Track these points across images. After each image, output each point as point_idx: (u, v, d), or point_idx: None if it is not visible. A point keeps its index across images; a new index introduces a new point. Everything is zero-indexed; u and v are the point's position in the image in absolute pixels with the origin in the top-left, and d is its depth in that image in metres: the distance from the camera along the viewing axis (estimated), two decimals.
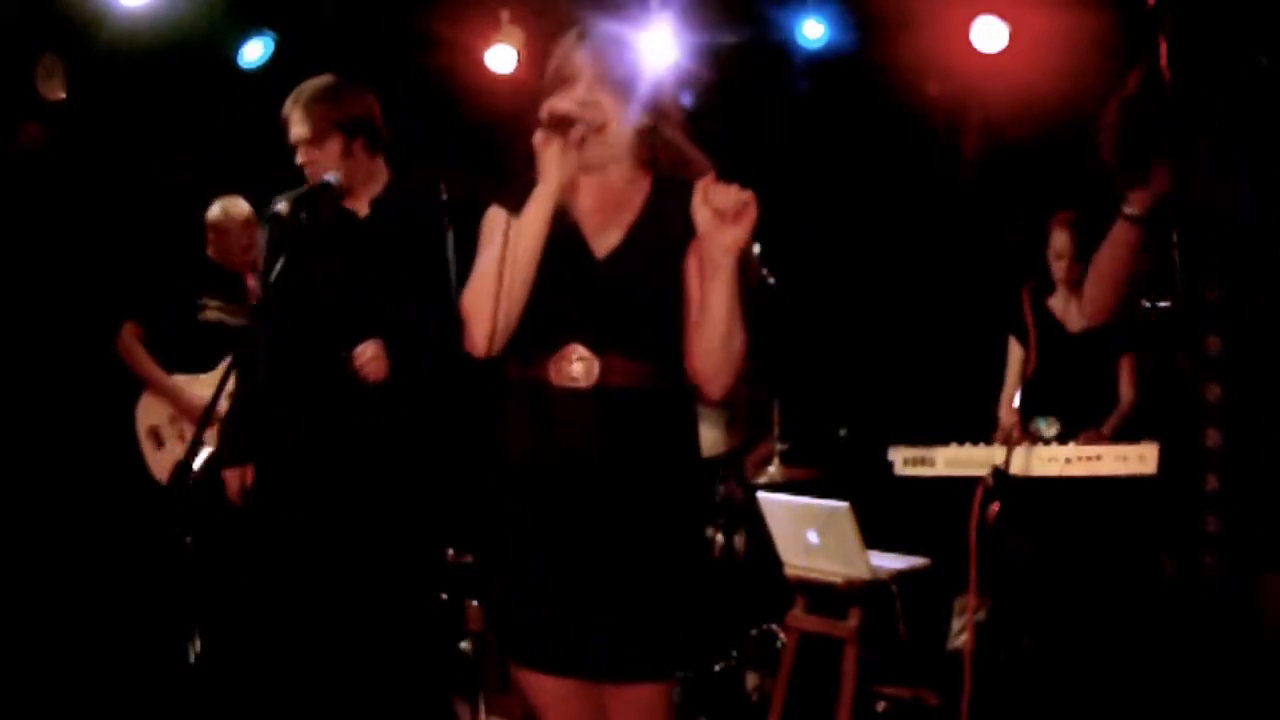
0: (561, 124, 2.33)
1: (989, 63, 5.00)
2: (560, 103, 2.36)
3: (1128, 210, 2.76)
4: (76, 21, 4.78)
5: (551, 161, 2.34)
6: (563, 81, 2.40)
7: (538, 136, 2.35)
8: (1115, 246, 2.85)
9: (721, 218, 2.28)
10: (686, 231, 2.37)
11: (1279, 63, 2.79)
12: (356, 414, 3.38)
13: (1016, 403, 3.79)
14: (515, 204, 2.36)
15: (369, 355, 3.37)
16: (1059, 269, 4.47)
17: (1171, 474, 3.09)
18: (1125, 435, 4.21)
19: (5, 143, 4.86)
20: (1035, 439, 3.63)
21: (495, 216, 2.43)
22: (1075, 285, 4.40)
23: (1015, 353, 4.68)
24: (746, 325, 2.41)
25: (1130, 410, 4.39)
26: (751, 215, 2.28)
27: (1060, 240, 4.45)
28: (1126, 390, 4.42)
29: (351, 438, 3.37)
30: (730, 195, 2.28)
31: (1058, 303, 4.54)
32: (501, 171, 2.50)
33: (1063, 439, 3.95)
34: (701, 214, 2.30)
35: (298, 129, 3.40)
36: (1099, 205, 4.68)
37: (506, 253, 2.30)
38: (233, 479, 3.52)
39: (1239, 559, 2.76)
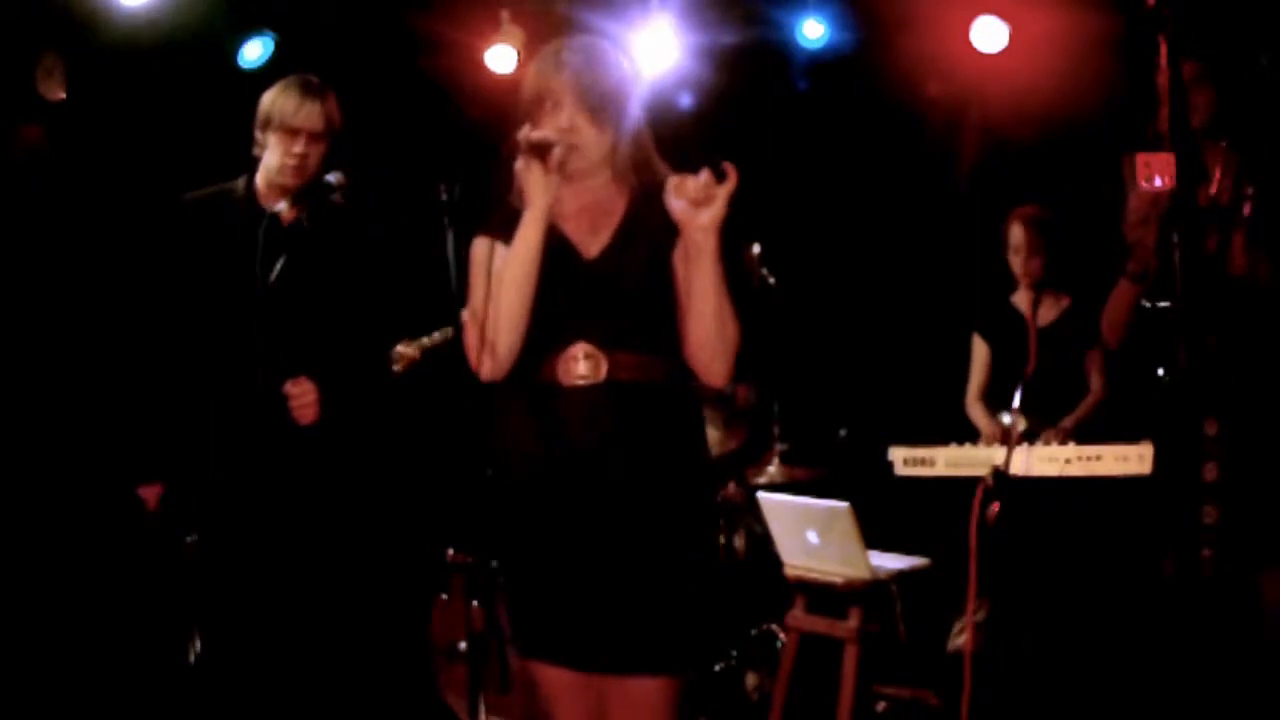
0: (541, 149, 2.41)
1: (989, 63, 4.99)
2: (538, 129, 2.44)
3: (1131, 270, 3.15)
4: (76, 21, 4.77)
5: (536, 186, 2.42)
6: (541, 103, 2.47)
7: (519, 163, 2.43)
8: (1119, 300, 3.25)
9: (695, 203, 2.37)
10: (670, 230, 2.46)
11: (1279, 63, 2.80)
12: (287, 455, 3.17)
13: (1016, 403, 3.78)
14: (501, 231, 2.45)
15: (302, 400, 3.21)
16: (1015, 264, 4.48)
17: (1168, 470, 3.10)
18: (1092, 427, 4.23)
19: (5, 143, 4.86)
20: (1006, 435, 3.65)
21: (482, 245, 2.50)
22: (1036, 279, 4.42)
23: (979, 351, 4.70)
24: (738, 314, 2.47)
25: (1098, 402, 4.41)
26: (724, 191, 2.37)
27: (1015, 235, 4.47)
28: (1096, 383, 4.45)
29: (281, 479, 3.17)
30: (699, 183, 2.37)
31: (1021, 298, 4.55)
32: (486, 198, 2.55)
33: (1030, 436, 3.97)
34: (676, 205, 2.39)
35: (313, 120, 3.26)
36: (1076, 202, 4.73)
37: (499, 282, 2.41)
38: (147, 495, 3.44)
39: (1238, 552, 2.78)
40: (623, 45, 2.74)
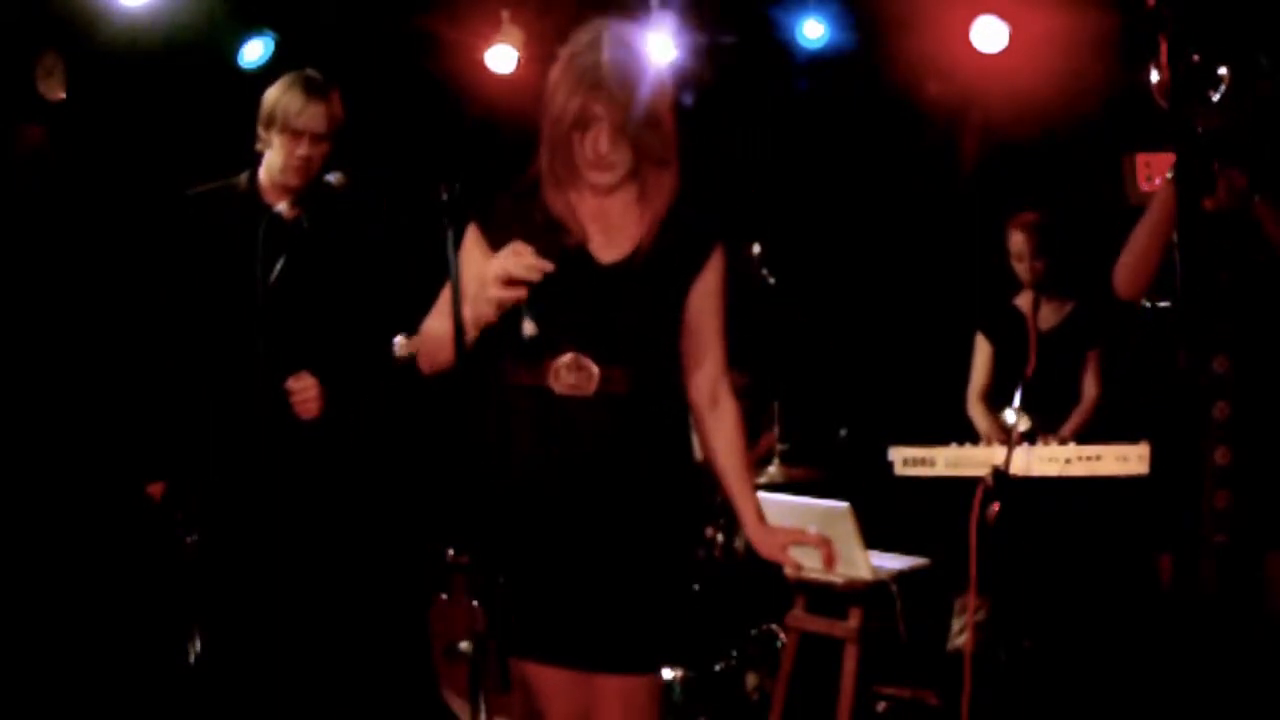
0: (517, 285, 2.29)
1: (989, 63, 5.00)
2: (519, 265, 2.27)
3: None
4: (76, 21, 4.77)
5: (485, 308, 2.32)
6: (577, 124, 2.35)
7: (496, 284, 2.28)
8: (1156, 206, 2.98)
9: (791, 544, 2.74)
10: (688, 264, 2.49)
11: (1279, 63, 2.80)
12: (288, 454, 3.19)
13: (1017, 402, 3.78)
14: (494, 233, 2.42)
15: (304, 395, 3.23)
16: (1019, 270, 4.51)
17: (1165, 469, 3.10)
18: (1090, 431, 4.24)
19: (5, 143, 4.86)
20: (1006, 434, 3.65)
21: (470, 238, 2.49)
22: (1038, 285, 4.44)
23: (982, 350, 4.71)
24: (738, 314, 2.48)
25: (1093, 406, 4.43)
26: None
27: (1016, 241, 4.49)
28: (1090, 386, 4.46)
29: (282, 478, 3.19)
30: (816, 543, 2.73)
31: (1024, 300, 4.56)
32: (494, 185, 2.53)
33: (1030, 437, 3.97)
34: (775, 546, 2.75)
35: (317, 122, 3.26)
36: (1076, 202, 4.73)
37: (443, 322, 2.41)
38: (154, 491, 3.45)
39: (1247, 536, 2.79)
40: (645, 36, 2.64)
